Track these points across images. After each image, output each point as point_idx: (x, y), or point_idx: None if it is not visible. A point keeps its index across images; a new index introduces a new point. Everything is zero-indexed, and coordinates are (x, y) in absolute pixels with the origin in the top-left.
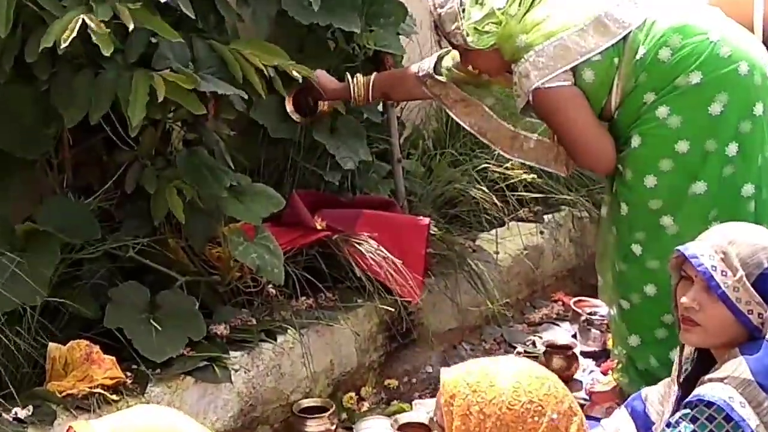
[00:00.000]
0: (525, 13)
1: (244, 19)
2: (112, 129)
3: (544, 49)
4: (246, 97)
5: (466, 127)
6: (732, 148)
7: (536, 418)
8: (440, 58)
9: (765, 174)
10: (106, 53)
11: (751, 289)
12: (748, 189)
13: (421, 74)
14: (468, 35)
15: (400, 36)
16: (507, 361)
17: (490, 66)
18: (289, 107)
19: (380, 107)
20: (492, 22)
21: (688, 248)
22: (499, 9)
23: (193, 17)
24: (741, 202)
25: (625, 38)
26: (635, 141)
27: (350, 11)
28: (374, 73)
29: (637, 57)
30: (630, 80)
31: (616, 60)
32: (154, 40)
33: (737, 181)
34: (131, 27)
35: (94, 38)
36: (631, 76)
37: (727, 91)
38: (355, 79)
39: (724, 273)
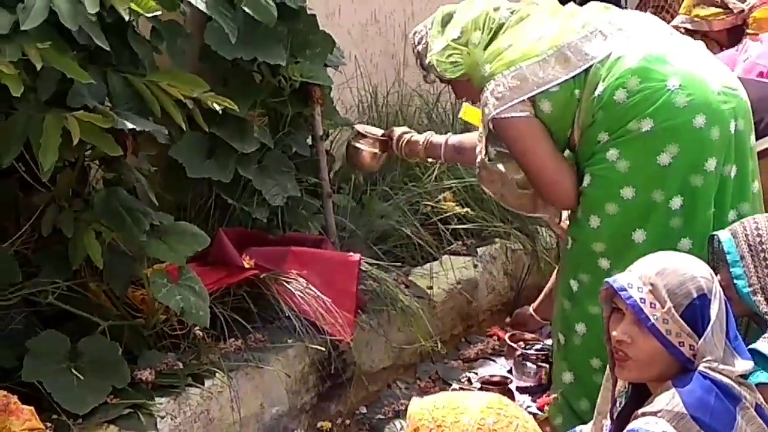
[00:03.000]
0: (489, 42)
1: (161, 51)
2: (27, 170)
3: (503, 79)
4: (166, 132)
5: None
6: (676, 202)
7: None
8: None
9: (707, 228)
10: (16, 94)
11: (681, 320)
12: (685, 243)
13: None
14: (437, 67)
15: (328, 67)
16: (477, 396)
17: (473, 97)
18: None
19: (309, 140)
20: (456, 53)
21: (617, 280)
22: (454, 40)
23: (108, 49)
24: None
25: (587, 71)
26: (586, 179)
27: (275, 44)
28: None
29: (596, 93)
30: (588, 115)
31: (577, 92)
32: (68, 76)
33: (677, 234)
34: (39, 67)
35: (1, 80)
36: (589, 111)
37: (678, 142)
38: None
39: (652, 305)
